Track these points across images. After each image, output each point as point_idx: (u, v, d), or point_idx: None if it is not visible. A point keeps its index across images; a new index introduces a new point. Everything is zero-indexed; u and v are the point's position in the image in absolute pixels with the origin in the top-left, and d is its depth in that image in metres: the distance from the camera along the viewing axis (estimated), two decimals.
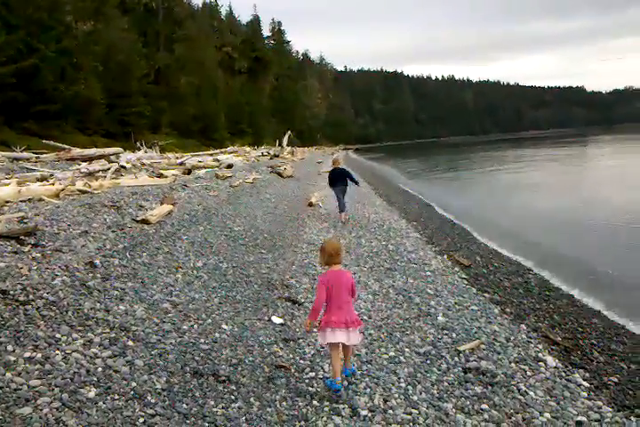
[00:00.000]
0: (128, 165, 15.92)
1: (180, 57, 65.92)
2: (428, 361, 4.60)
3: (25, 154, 18.01)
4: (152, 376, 3.61)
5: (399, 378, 4.27)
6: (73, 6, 40.24)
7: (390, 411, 3.79)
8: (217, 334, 4.64)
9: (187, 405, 3.45)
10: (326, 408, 3.80)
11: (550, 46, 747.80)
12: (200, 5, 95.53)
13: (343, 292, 4.00)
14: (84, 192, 9.59)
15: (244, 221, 10.01)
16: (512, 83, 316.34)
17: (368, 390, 4.07)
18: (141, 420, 3.13)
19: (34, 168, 14.26)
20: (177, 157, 23.45)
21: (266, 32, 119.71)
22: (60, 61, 31.73)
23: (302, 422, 3.63)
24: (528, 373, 4.43)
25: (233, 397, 3.73)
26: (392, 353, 4.73)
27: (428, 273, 7.52)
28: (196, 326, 4.69)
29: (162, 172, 14.98)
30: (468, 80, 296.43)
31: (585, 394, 4.18)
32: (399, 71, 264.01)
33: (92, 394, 3.18)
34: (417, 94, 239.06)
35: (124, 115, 41.77)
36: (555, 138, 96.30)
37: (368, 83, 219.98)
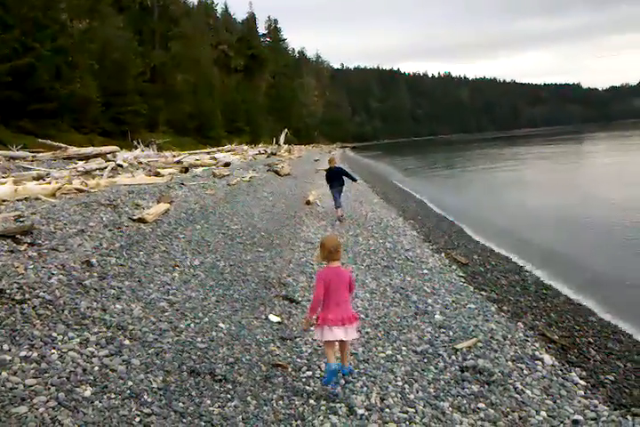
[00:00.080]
0: (125, 164, 15.90)
1: (176, 55, 65.86)
2: (425, 360, 4.60)
3: (21, 153, 17.95)
4: (148, 375, 3.60)
5: (396, 377, 4.27)
6: (68, 4, 40.28)
7: (387, 410, 3.79)
8: (214, 333, 4.63)
9: (183, 404, 3.44)
10: (323, 407, 3.80)
11: (545, 43, 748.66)
12: (195, 3, 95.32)
13: (342, 289, 3.97)
14: (80, 191, 9.57)
15: (242, 219, 9.99)
16: (508, 80, 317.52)
17: (365, 388, 4.07)
18: (137, 419, 3.12)
19: (30, 167, 14.23)
20: (174, 156, 23.46)
21: (262, 30, 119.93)
22: (55, 60, 31.67)
23: (299, 421, 3.62)
24: (525, 371, 4.43)
25: (229, 396, 3.72)
26: (389, 352, 4.73)
27: (426, 271, 7.53)
28: (192, 324, 4.67)
29: (159, 170, 14.94)
30: (464, 77, 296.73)
31: (581, 393, 4.18)
32: (396, 69, 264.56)
33: (88, 393, 3.17)
34: (413, 92, 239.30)
35: (121, 113, 41.78)
36: (551, 135, 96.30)
37: (365, 80, 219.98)
